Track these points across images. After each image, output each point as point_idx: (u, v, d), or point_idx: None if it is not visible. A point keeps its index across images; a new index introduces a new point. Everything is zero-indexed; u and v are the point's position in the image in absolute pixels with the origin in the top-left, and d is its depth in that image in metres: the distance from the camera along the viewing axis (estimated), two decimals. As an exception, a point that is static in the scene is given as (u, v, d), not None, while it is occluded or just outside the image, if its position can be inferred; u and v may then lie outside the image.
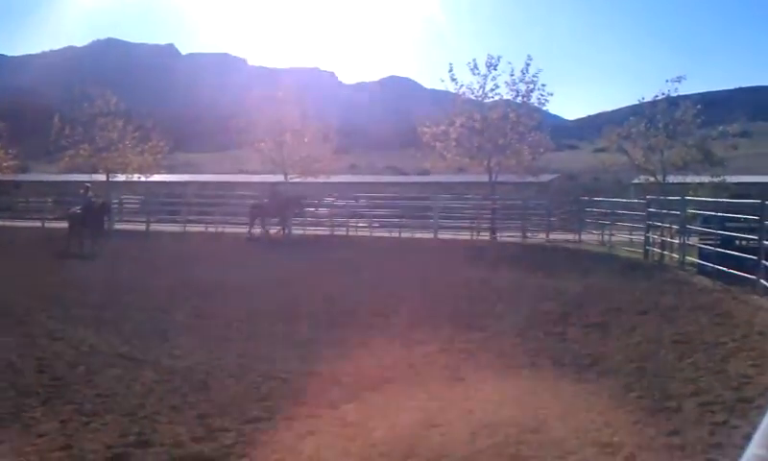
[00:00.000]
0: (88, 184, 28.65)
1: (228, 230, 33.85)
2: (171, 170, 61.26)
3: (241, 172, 64.70)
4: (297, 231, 33.48)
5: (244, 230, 32.41)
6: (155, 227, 33.39)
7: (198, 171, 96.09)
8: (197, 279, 17.36)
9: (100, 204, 27.00)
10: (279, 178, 37.15)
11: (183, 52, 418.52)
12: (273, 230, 31.29)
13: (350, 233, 33.05)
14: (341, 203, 38.75)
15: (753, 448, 1.09)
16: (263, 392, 8.05)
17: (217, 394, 7.96)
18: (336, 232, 33.41)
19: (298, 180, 37.07)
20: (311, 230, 33.87)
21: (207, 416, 7.17)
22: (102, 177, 39.42)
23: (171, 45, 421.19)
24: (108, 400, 7.61)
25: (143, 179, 40.46)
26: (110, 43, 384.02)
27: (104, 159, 38.43)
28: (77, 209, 25.95)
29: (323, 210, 38.51)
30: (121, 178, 40.25)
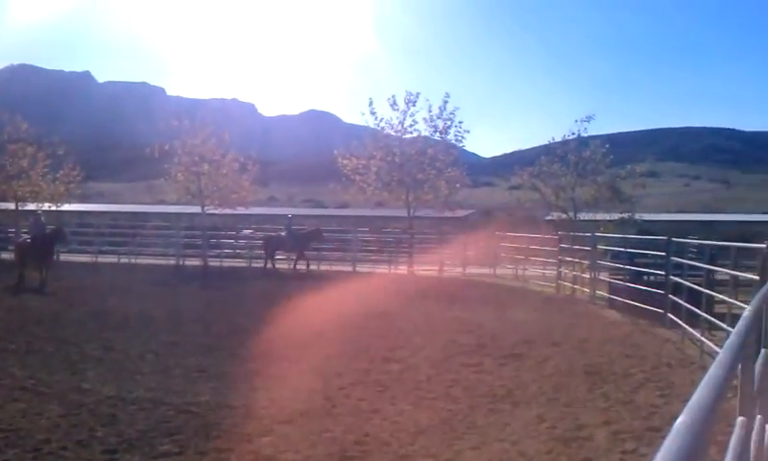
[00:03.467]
0: (40, 212, 27.47)
1: (142, 261, 33.07)
2: (84, 199, 59.54)
3: (160, 202, 63.33)
4: (213, 263, 32.96)
5: (158, 261, 31.70)
6: (65, 257, 32.25)
7: (112, 201, 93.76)
8: (108, 311, 16.88)
9: (51, 231, 25.46)
10: (197, 209, 36.54)
11: (100, 79, 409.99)
12: (288, 264, 30.82)
13: (268, 265, 32.69)
14: (259, 235, 38.40)
15: None
16: (174, 426, 7.83)
17: (126, 428, 7.71)
18: (254, 264, 33.01)
19: (215, 211, 36.49)
20: (228, 263, 33.39)
21: (115, 451, 6.93)
22: (11, 205, 37.90)
23: (87, 72, 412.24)
24: (10, 434, 7.27)
25: (54, 208, 39.11)
26: (24, 69, 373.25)
27: (13, 187, 36.96)
28: (27, 239, 24.35)
29: (240, 242, 38.09)
30: (31, 206, 38.78)
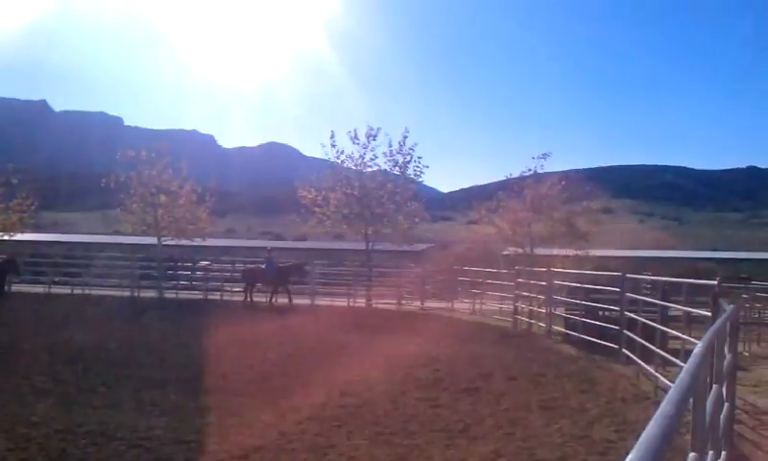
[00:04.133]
0: None
1: (96, 292, 32.51)
2: (37, 229, 58.46)
3: (115, 233, 62.42)
4: (169, 295, 32.52)
5: (112, 292, 31.18)
6: (18, 287, 31.56)
7: (67, 231, 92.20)
8: (60, 343, 16.51)
9: (3, 261, 24.68)
10: (153, 240, 36.12)
11: (57, 109, 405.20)
12: (265, 298, 30.04)
13: (225, 298, 32.38)
14: (216, 267, 38.06)
15: None
16: (125, 460, 7.64)
17: (75, 463, 7.50)
18: (210, 297, 32.66)
19: (171, 242, 36.10)
20: (184, 295, 32.97)
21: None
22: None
23: (43, 101, 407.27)
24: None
25: (7, 237, 38.35)
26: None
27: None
28: None
29: (196, 274, 37.67)
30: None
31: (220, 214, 52.65)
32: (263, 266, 30.88)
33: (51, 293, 32.45)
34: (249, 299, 29.58)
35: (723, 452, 5.69)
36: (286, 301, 29.20)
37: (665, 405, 2.02)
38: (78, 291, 33.29)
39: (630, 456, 1.45)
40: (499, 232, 31.89)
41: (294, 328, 21.12)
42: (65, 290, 33.38)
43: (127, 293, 32.57)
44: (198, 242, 37.48)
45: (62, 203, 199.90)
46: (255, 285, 30.23)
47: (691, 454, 2.99)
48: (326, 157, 34.60)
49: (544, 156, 32.34)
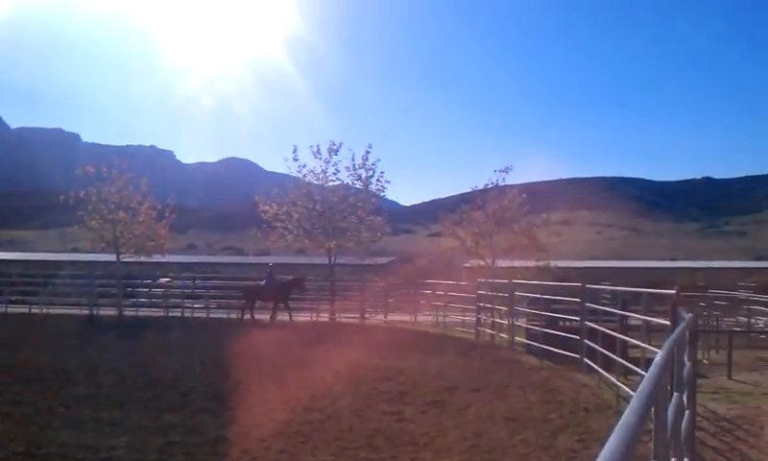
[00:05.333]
0: None
1: (54, 311, 31.95)
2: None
3: (73, 250, 61.41)
4: (129, 313, 32.09)
5: (71, 311, 30.69)
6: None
7: (23, 249, 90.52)
8: (17, 363, 16.18)
9: None
10: (111, 257, 35.63)
11: (13, 125, 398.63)
12: (267, 315, 29.70)
13: (186, 315, 32.04)
14: (176, 283, 37.68)
15: None
16: (86, 482, 7.51)
17: (34, 486, 7.35)
18: (171, 313, 32.28)
19: (131, 259, 35.60)
20: (144, 312, 32.55)
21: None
22: None
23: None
24: None
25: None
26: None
27: None
28: None
29: (156, 291, 37.24)
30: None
31: (180, 230, 52.09)
32: (263, 283, 30.61)
33: (8, 312, 31.85)
34: (250, 316, 29.24)
35: (685, 459, 5.78)
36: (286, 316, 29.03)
37: (627, 414, 2.05)
38: (35, 310, 32.73)
39: (594, 466, 1.47)
40: (462, 245, 32.01)
41: (257, 344, 20.96)
42: (23, 309, 32.80)
43: (86, 311, 32.06)
44: (157, 258, 37.03)
45: (19, 221, 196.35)
46: (256, 302, 29.91)
47: (653, 462, 3.03)
48: (288, 172, 34.51)
49: (506, 169, 32.67)
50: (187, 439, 9.37)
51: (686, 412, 6.33)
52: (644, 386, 2.62)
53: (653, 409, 3.09)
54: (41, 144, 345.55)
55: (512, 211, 31.48)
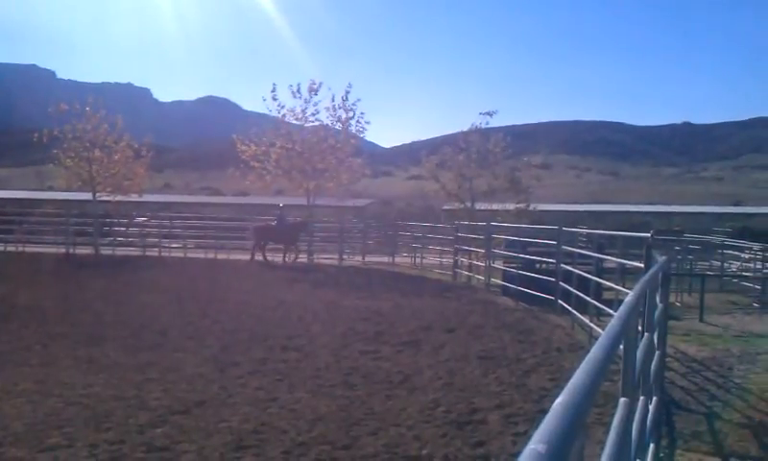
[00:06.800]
0: None
1: (30, 249, 31.73)
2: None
3: (49, 189, 60.68)
4: (105, 252, 31.93)
5: (47, 249, 30.48)
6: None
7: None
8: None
9: None
10: (88, 196, 35.27)
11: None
12: (277, 256, 29.70)
13: (163, 254, 31.94)
14: (153, 222, 37.46)
15: (531, 444, 1.15)
16: (63, 418, 7.53)
17: (12, 422, 7.37)
18: (148, 253, 32.17)
19: (107, 198, 35.27)
20: (121, 251, 32.41)
21: (1, 445, 6.62)
22: None
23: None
24: None
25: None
26: None
27: None
28: None
29: (133, 230, 37.03)
30: None
31: (157, 169, 51.60)
32: (274, 223, 30.47)
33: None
34: (263, 257, 29.11)
35: (654, 398, 5.90)
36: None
37: (595, 350, 2.07)
38: (11, 248, 32.47)
39: (558, 399, 1.48)
40: (442, 187, 31.96)
41: (234, 284, 21.00)
42: (-2, 247, 32.56)
43: (62, 250, 31.85)
44: (134, 198, 36.74)
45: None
46: (266, 243, 29.80)
47: (622, 399, 3.07)
48: (268, 112, 34.07)
49: (490, 113, 32.44)
50: (165, 377, 9.42)
51: (657, 352, 6.44)
52: (613, 324, 2.64)
53: (621, 347, 3.13)
54: (16, 80, 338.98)
55: (495, 154, 31.41)
